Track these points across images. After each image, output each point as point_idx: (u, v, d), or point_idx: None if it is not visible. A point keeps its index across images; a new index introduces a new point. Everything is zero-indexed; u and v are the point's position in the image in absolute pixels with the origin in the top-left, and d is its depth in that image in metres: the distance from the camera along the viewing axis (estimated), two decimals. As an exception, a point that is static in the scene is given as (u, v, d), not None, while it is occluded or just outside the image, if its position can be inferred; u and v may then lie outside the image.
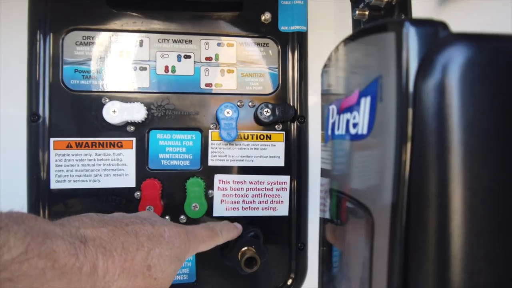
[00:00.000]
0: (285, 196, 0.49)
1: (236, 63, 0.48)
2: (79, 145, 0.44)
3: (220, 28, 0.48)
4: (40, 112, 0.43)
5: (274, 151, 0.48)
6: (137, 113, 0.43)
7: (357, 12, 0.39)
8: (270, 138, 0.48)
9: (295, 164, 0.49)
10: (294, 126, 0.49)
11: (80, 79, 0.44)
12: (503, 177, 0.15)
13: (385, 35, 0.17)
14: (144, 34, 0.46)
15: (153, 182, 0.45)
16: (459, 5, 0.28)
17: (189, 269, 0.47)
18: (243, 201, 0.48)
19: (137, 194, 0.45)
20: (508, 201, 0.15)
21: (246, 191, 0.48)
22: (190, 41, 0.47)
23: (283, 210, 0.49)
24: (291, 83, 0.49)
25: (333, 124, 0.24)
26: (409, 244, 0.16)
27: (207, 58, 0.47)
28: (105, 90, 0.45)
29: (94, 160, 0.44)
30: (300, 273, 0.49)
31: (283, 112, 0.47)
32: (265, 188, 0.48)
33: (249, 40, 0.48)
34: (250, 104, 0.48)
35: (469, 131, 0.15)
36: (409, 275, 0.16)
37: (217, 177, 0.47)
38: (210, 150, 0.47)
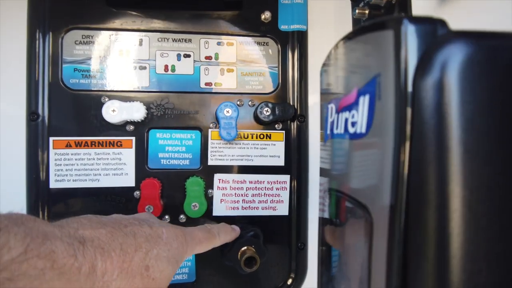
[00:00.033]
0: (285, 195, 0.49)
1: (236, 62, 0.48)
2: (78, 145, 0.44)
3: (220, 27, 0.48)
4: (40, 111, 0.43)
5: (274, 151, 0.48)
6: (136, 112, 0.43)
7: (357, 11, 0.38)
8: (270, 138, 0.48)
9: (295, 163, 0.49)
10: (294, 126, 0.49)
11: (80, 78, 0.44)
12: (503, 176, 0.15)
13: (384, 33, 0.17)
14: (143, 33, 0.46)
15: (153, 182, 0.45)
16: (460, 3, 0.28)
17: (189, 268, 0.47)
18: (243, 200, 0.48)
19: (137, 193, 0.45)
20: (508, 200, 0.15)
21: (246, 190, 0.48)
22: (190, 40, 0.47)
23: (283, 209, 0.49)
24: (291, 82, 0.49)
25: (332, 123, 0.24)
26: (408, 244, 0.16)
27: (207, 57, 0.47)
28: (105, 89, 0.45)
29: (94, 159, 0.44)
30: (300, 273, 0.49)
31: (283, 112, 0.47)
32: (265, 187, 0.48)
33: (249, 39, 0.48)
34: (250, 103, 0.48)
35: (468, 130, 0.14)
36: (408, 275, 0.16)
37: (217, 176, 0.47)
38: (210, 149, 0.47)
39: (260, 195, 0.48)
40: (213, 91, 0.47)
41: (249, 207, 0.48)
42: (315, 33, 0.50)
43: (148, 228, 0.31)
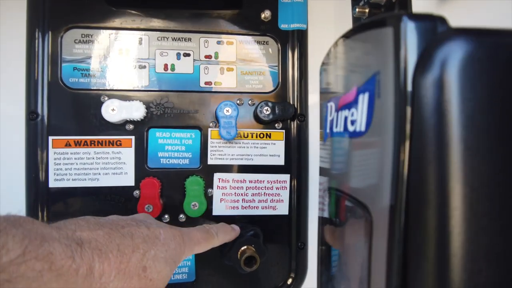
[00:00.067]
0: (285, 195, 0.49)
1: (235, 61, 0.48)
2: (77, 144, 0.44)
3: (219, 26, 0.47)
4: (39, 110, 0.43)
5: (274, 150, 0.48)
6: (136, 111, 0.43)
7: (357, 9, 0.38)
8: (270, 137, 0.48)
9: (295, 162, 0.49)
10: (294, 125, 0.49)
11: (79, 77, 0.44)
12: (504, 174, 0.15)
13: (383, 30, 0.17)
14: (143, 32, 0.46)
15: (152, 181, 0.45)
16: (460, 1, 0.28)
17: (189, 268, 0.47)
18: (242, 200, 0.48)
19: (136, 192, 0.45)
20: (509, 199, 0.15)
21: (246, 190, 0.48)
22: (190, 39, 0.47)
23: (283, 209, 0.49)
24: (291, 81, 0.49)
25: (332, 121, 0.24)
26: (408, 243, 0.16)
27: (206, 56, 0.47)
28: (104, 88, 0.45)
29: (93, 158, 0.44)
30: (300, 273, 0.49)
31: (283, 111, 0.47)
32: (265, 187, 0.48)
33: (249, 38, 0.48)
34: (249, 102, 0.48)
35: (469, 127, 0.14)
36: (408, 274, 0.16)
37: (217, 175, 0.47)
38: (209, 148, 0.47)
39: (260, 194, 0.48)
40: (213, 90, 0.47)
41: (249, 206, 0.48)
42: (315, 32, 0.50)
43: (145, 229, 0.31)
